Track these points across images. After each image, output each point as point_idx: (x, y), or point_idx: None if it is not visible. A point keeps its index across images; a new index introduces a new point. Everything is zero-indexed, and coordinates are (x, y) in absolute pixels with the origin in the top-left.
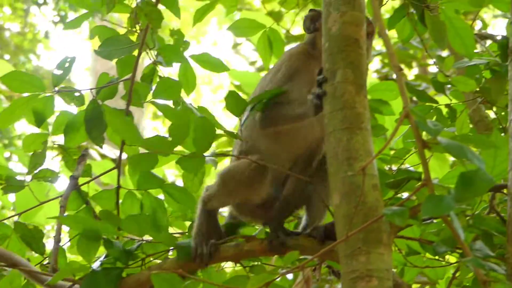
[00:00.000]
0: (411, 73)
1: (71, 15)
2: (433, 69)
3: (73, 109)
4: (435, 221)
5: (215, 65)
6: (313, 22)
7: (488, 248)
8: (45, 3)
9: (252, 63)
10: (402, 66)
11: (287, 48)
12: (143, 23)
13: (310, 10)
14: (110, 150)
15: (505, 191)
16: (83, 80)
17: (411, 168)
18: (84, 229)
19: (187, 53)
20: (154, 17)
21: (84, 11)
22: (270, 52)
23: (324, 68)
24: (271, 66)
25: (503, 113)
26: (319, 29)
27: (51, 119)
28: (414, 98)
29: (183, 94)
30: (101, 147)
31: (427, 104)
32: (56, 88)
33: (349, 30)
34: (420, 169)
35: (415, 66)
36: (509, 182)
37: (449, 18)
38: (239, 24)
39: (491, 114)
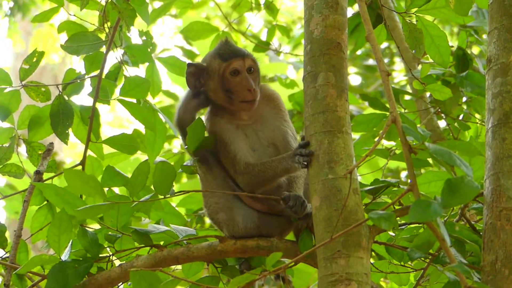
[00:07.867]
0: None
1: None
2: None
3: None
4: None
5: (182, 69)
6: (197, 78)
7: (460, 255)
8: None
9: None
10: None
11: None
12: (112, 21)
13: (188, 65)
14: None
15: (480, 199)
16: None
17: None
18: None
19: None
20: (127, 14)
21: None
22: None
23: (306, 70)
24: None
25: (455, 124)
26: (205, 83)
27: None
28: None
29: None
30: (66, 143)
31: (380, 112)
32: (23, 82)
33: (331, 34)
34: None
35: None
36: (485, 191)
37: (425, 26)
38: (192, 27)
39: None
